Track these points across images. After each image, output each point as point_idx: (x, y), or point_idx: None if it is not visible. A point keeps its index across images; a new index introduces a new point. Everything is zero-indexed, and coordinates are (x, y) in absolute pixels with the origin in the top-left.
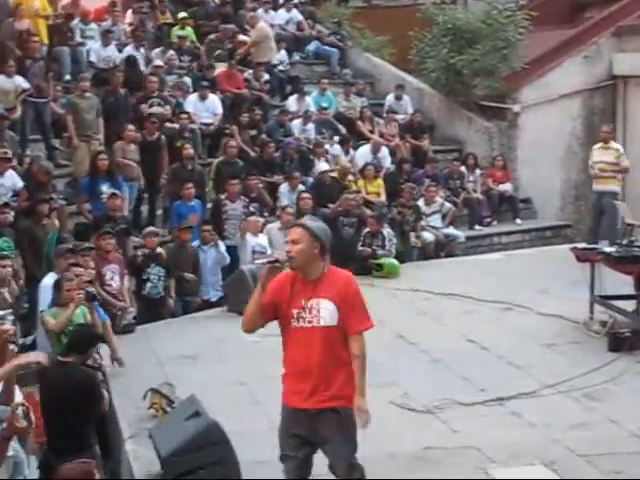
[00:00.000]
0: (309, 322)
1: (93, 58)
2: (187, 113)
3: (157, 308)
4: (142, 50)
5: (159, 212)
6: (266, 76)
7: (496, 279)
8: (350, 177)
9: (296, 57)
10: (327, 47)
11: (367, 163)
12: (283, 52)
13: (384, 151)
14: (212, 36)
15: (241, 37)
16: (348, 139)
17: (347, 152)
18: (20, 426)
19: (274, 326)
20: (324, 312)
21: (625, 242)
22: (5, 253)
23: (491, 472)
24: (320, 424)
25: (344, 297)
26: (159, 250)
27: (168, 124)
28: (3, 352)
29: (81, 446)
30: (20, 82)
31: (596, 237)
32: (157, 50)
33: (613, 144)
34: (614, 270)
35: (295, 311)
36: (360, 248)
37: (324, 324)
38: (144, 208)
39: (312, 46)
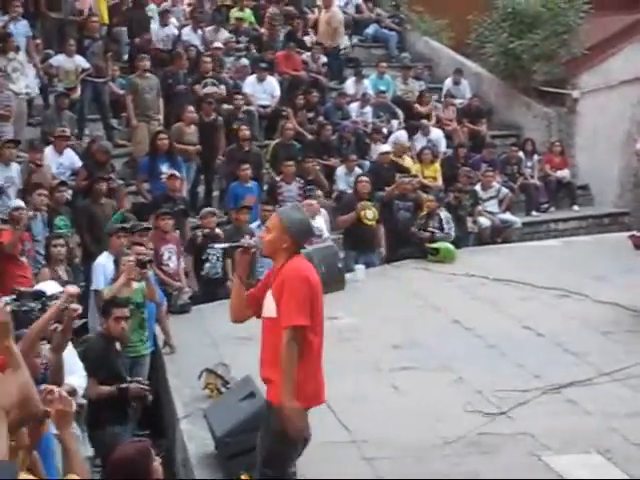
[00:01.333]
0: (264, 312)
1: (152, 38)
2: (242, 94)
3: (215, 288)
4: (200, 31)
5: (215, 193)
6: (324, 58)
7: (553, 266)
8: (407, 159)
9: (355, 40)
10: (386, 30)
11: (423, 147)
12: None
13: (437, 134)
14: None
15: (299, 18)
16: (409, 125)
17: (410, 137)
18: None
19: (328, 309)
20: (267, 302)
21: None
22: (61, 232)
23: (545, 459)
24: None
25: (280, 290)
26: (217, 230)
27: (225, 105)
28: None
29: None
30: (80, 62)
31: None
32: (215, 31)
33: None
34: None
35: (263, 300)
36: (416, 231)
37: (266, 315)
38: (201, 189)
39: (371, 29)
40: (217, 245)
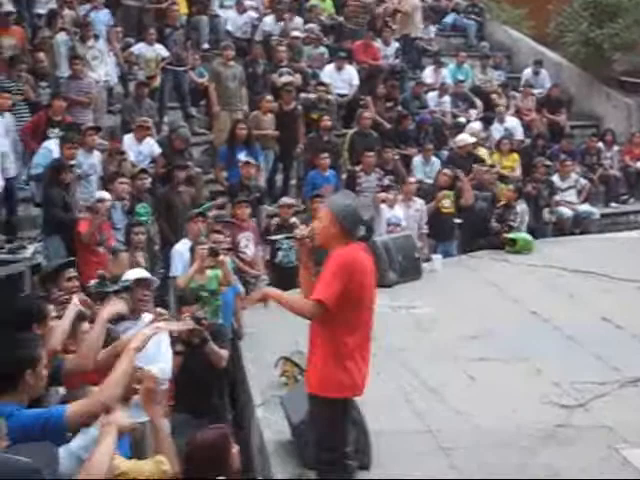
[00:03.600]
0: None
1: (230, 27)
2: (324, 84)
3: (290, 277)
4: (281, 22)
5: (293, 181)
6: (396, 44)
7: (633, 257)
8: (483, 150)
9: (433, 29)
10: (465, 19)
11: (502, 137)
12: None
13: (513, 122)
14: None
15: (379, 7)
16: (487, 115)
17: (486, 127)
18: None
19: (406, 298)
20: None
21: None
22: (141, 219)
23: (623, 452)
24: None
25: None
26: (293, 220)
27: (303, 94)
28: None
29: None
30: (160, 50)
31: None
32: (294, 20)
33: None
34: None
35: None
36: (493, 224)
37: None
38: (279, 177)
39: (449, 18)
40: (272, 237)
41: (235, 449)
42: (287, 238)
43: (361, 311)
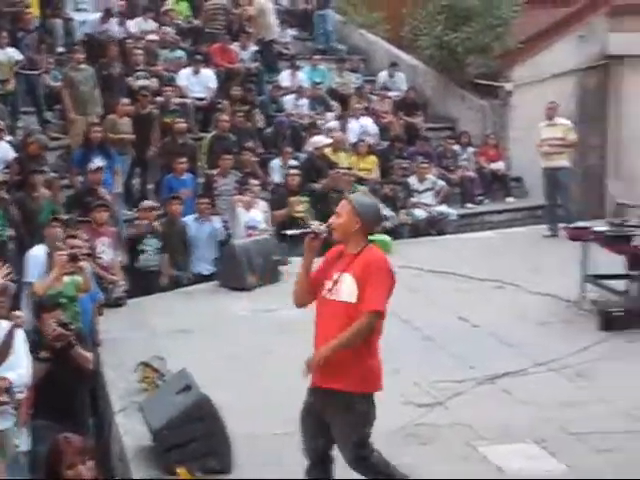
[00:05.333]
0: (334, 295)
1: (85, 30)
2: (174, 86)
3: (151, 281)
4: (131, 22)
5: (150, 186)
6: (253, 47)
7: (488, 257)
8: (343, 153)
9: (290, 32)
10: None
11: (359, 140)
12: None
13: (367, 121)
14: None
15: (235, 10)
16: (343, 115)
17: (343, 128)
18: None
19: (266, 301)
20: (344, 287)
21: (617, 221)
22: None
23: (481, 449)
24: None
25: (366, 276)
26: (155, 223)
27: (158, 98)
28: None
29: (72, 418)
30: (13, 54)
31: (553, 215)
32: (146, 23)
33: (559, 120)
34: (606, 249)
35: (327, 282)
36: None
37: (342, 299)
38: (135, 181)
39: (305, 20)
40: (288, 232)
41: (90, 464)
42: (304, 234)
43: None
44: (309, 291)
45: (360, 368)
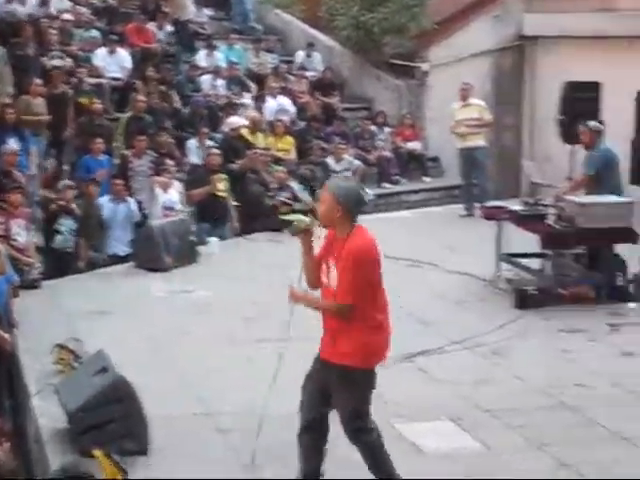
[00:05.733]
0: (329, 280)
1: None
2: (88, 66)
3: (67, 263)
4: (47, 3)
5: (66, 167)
6: (169, 28)
7: (404, 236)
8: (260, 134)
9: (207, 12)
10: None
11: (276, 119)
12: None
13: (283, 100)
14: None
15: None
16: (261, 95)
17: (260, 107)
18: None
19: (182, 282)
20: (333, 274)
21: (531, 201)
22: None
23: (398, 427)
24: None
25: (341, 263)
26: (73, 206)
27: (73, 78)
28: None
29: None
30: None
31: (469, 195)
32: (64, 2)
33: (473, 100)
34: (520, 228)
35: (324, 267)
36: (276, 202)
37: (332, 285)
38: (50, 162)
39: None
40: (279, 197)
41: (6, 446)
42: (299, 212)
43: (380, 286)
44: (319, 276)
45: (361, 342)
